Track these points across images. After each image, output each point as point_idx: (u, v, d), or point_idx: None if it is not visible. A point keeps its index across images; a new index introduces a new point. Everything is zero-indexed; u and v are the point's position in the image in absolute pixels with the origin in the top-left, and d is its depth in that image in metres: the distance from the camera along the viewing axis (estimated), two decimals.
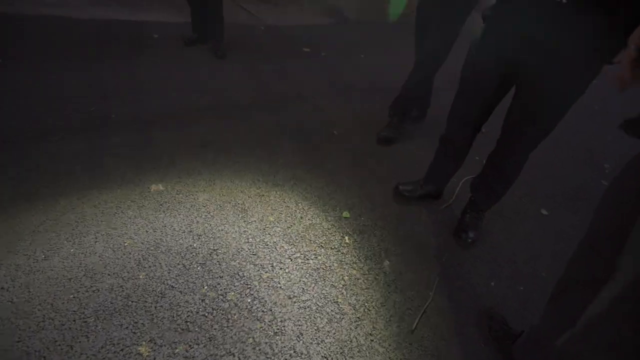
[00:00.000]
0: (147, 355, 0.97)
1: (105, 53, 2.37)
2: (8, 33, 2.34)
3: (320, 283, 1.26)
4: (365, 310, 1.21)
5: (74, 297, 1.06)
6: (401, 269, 1.38)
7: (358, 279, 1.31)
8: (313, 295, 1.21)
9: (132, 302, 1.08)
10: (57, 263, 1.14)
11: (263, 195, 1.57)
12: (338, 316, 1.17)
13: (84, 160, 1.54)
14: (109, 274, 1.14)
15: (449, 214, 1.69)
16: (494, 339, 1.19)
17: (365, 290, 1.27)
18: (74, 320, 1.01)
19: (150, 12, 3.29)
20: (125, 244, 1.24)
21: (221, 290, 1.17)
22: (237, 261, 1.27)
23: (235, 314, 1.11)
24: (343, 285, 1.27)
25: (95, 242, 1.23)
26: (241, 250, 1.31)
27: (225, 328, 1.07)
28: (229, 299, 1.15)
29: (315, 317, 1.15)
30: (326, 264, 1.33)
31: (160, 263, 1.21)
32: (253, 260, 1.28)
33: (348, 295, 1.24)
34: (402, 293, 1.29)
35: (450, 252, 1.50)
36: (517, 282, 1.44)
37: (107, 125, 1.77)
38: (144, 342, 1.00)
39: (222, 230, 1.37)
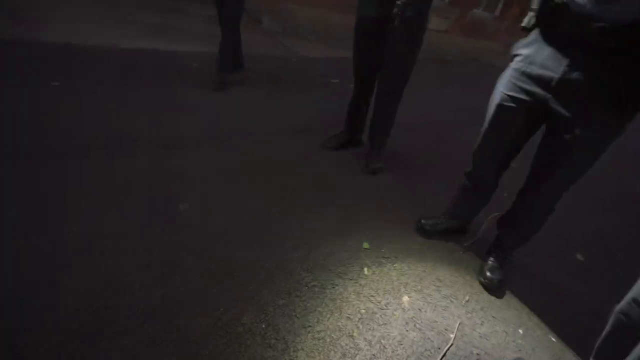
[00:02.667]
0: None
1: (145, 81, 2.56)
2: (63, 59, 2.59)
3: (336, 314, 1.23)
4: (381, 347, 1.15)
5: (94, 310, 1.09)
6: (420, 306, 1.32)
7: (375, 313, 1.26)
8: (328, 327, 1.18)
9: (145, 323, 1.09)
10: (78, 277, 1.18)
11: (282, 222, 1.57)
12: (352, 351, 1.12)
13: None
14: (129, 292, 1.16)
15: (472, 253, 1.63)
16: None
17: (382, 326, 1.22)
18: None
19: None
20: (147, 259, 1.27)
21: (235, 313, 1.16)
22: (253, 285, 1.26)
23: (248, 339, 1.09)
24: (359, 319, 1.23)
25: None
26: (257, 275, 1.31)
27: (237, 353, 1.05)
28: (243, 322, 1.13)
29: (328, 350, 1.11)
30: (343, 295, 1.30)
31: (176, 279, 1.22)
32: (269, 286, 1.28)
33: (364, 330, 1.19)
34: (420, 332, 1.23)
35: (473, 293, 1.43)
36: (547, 332, 1.34)
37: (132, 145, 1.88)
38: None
39: (238, 254, 1.38)
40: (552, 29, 1.08)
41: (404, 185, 2.01)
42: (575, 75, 1.03)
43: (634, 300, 0.88)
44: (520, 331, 1.32)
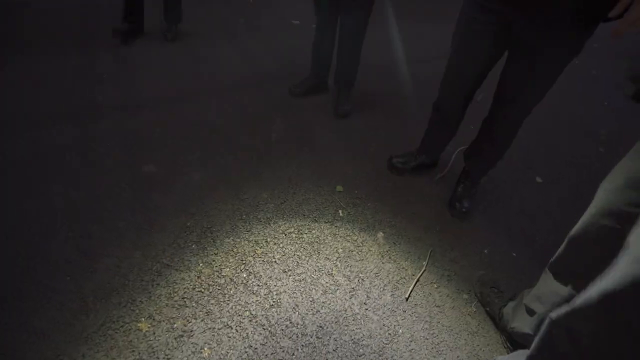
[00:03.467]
0: (146, 331, 1.00)
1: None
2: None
3: (314, 256, 1.28)
4: (360, 280, 1.23)
5: (70, 279, 1.08)
6: (395, 240, 1.39)
7: (352, 251, 1.32)
8: (307, 269, 1.23)
9: (129, 281, 1.10)
10: (54, 247, 1.15)
11: (256, 173, 1.56)
12: (333, 287, 1.19)
13: (74, 146, 1.53)
14: (105, 255, 1.16)
15: (443, 185, 1.69)
16: (484, 303, 1.22)
17: (359, 261, 1.29)
18: (74, 300, 1.03)
19: None
20: (119, 226, 1.25)
21: (216, 266, 1.18)
22: (232, 238, 1.28)
23: (231, 289, 1.13)
24: (337, 258, 1.29)
25: (92, 225, 1.24)
26: (235, 228, 1.32)
27: (221, 302, 1.09)
28: (224, 274, 1.16)
29: (310, 289, 1.17)
30: (320, 238, 1.34)
31: (155, 242, 1.22)
32: (247, 237, 1.30)
33: (342, 267, 1.26)
34: (395, 263, 1.31)
35: (444, 222, 1.51)
36: (510, 249, 1.45)
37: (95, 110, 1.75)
38: (142, 319, 1.02)
39: (215, 208, 1.37)
40: None
41: (375, 126, 2.00)
42: None
43: None
44: (486, 251, 1.42)
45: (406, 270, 1.30)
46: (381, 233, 1.41)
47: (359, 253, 1.32)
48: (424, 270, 1.30)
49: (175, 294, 1.09)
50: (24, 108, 1.67)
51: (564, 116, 2.42)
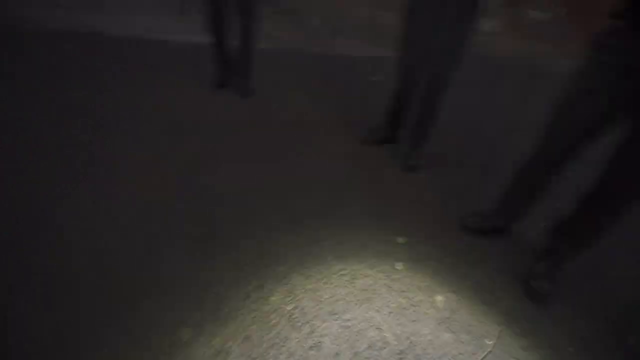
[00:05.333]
0: (187, 340, 1.00)
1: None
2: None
3: (365, 305, 1.19)
4: (410, 344, 1.10)
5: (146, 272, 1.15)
6: (456, 308, 1.24)
7: (406, 309, 1.21)
8: (356, 317, 1.15)
9: (181, 287, 1.14)
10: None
11: (319, 215, 1.56)
12: (380, 344, 1.08)
13: None
14: (165, 260, 1.22)
15: (519, 256, 1.50)
16: None
17: (413, 322, 1.17)
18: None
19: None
20: (178, 232, 1.33)
21: (265, 292, 1.17)
22: (285, 267, 1.27)
23: (274, 319, 1.09)
24: (389, 313, 1.18)
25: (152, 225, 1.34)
26: (289, 258, 1.31)
27: (262, 330, 1.06)
28: (271, 302, 1.14)
29: (355, 340, 1.08)
30: (373, 287, 1.26)
31: (211, 252, 1.26)
32: (299, 269, 1.27)
33: (393, 324, 1.15)
34: (454, 334, 1.15)
35: (517, 300, 1.32)
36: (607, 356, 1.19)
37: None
38: (185, 327, 1.03)
39: (272, 235, 1.39)
40: None
41: (445, 184, 1.91)
42: None
43: None
44: (571, 349, 1.19)
45: (466, 345, 1.13)
46: (440, 297, 1.28)
47: (414, 313, 1.20)
48: (489, 352, 1.12)
49: (221, 311, 1.09)
50: None
51: None
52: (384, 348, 1.08)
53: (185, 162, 1.70)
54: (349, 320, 1.13)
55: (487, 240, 1.55)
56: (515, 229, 1.59)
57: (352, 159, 1.99)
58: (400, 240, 1.49)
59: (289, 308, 1.13)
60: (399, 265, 1.37)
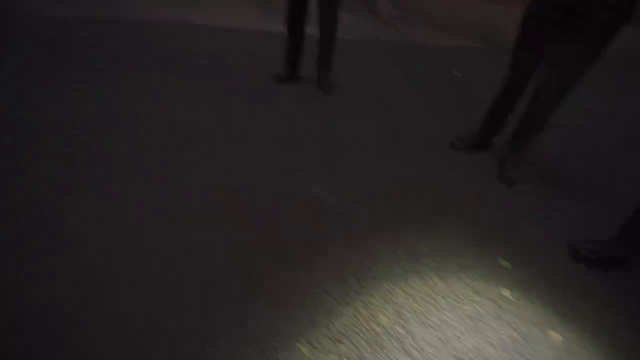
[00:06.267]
0: (305, 354, 1.01)
1: None
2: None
3: (474, 334, 1.14)
4: None
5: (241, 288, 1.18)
6: (573, 350, 1.15)
7: (519, 343, 1.14)
8: (467, 347, 1.10)
9: (294, 301, 1.14)
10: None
11: (417, 224, 1.50)
12: None
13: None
14: (272, 271, 1.23)
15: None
16: None
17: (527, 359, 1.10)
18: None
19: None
20: (287, 241, 1.33)
21: (373, 310, 1.15)
22: (389, 284, 1.24)
23: (386, 341, 1.07)
24: (501, 345, 1.12)
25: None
26: (392, 273, 1.28)
27: (376, 352, 1.04)
28: (380, 322, 1.12)
29: None
30: (481, 314, 1.20)
31: (318, 267, 1.26)
32: (404, 287, 1.24)
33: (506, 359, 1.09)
34: None
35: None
36: None
37: None
38: (302, 340, 1.03)
39: (375, 247, 1.36)
40: None
41: (549, 202, 1.76)
42: None
43: None
44: None
45: None
46: (556, 334, 1.19)
47: (529, 350, 1.12)
48: None
49: (333, 326, 1.08)
50: None
51: None
52: None
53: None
54: (461, 350, 1.09)
55: (606, 273, 1.41)
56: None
57: (447, 165, 1.89)
58: (503, 262, 1.40)
59: (399, 330, 1.10)
60: (506, 292, 1.29)
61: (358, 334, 1.08)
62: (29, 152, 1.53)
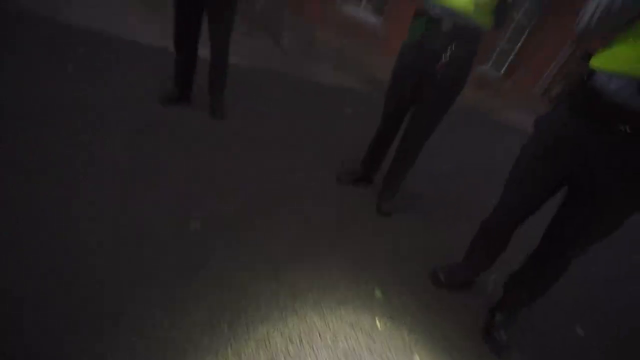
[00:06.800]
0: None
1: None
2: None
3: None
4: None
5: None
6: None
7: None
8: None
9: (153, 353, 1.00)
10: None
11: (296, 260, 1.50)
12: None
13: None
14: (127, 314, 1.07)
15: (483, 311, 1.60)
16: None
17: None
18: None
19: None
20: (153, 282, 1.18)
21: (245, 359, 1.07)
22: (266, 327, 1.18)
23: None
24: None
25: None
26: (270, 316, 1.23)
27: None
28: None
29: None
30: (356, 350, 1.23)
31: (187, 312, 1.13)
32: (282, 329, 1.20)
33: None
34: None
35: (483, 355, 1.40)
36: None
37: None
38: None
39: (254, 289, 1.30)
40: (582, 110, 1.09)
41: (419, 230, 1.99)
42: (602, 153, 1.05)
43: None
44: None
45: None
46: (417, 357, 1.30)
47: None
48: None
49: None
50: None
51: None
52: None
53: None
54: None
55: (456, 291, 1.63)
56: (480, 280, 1.70)
57: (328, 198, 1.97)
58: (377, 294, 1.49)
59: None
60: (378, 323, 1.37)
61: None
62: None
